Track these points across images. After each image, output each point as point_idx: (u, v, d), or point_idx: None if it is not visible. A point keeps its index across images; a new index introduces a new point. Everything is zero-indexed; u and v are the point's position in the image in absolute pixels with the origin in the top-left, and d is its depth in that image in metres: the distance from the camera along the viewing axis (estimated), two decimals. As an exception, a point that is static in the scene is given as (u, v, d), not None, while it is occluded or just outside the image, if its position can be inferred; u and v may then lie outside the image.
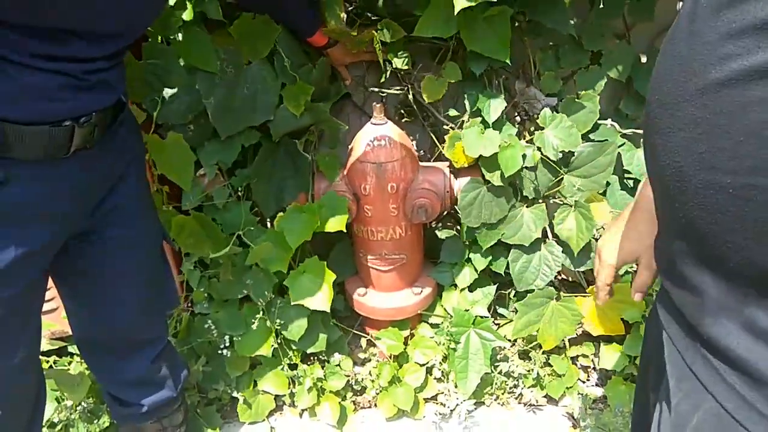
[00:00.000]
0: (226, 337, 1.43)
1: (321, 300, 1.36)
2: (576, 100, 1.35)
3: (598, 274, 0.89)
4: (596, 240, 1.41)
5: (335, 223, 1.33)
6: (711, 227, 0.46)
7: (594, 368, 1.60)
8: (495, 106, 1.30)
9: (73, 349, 1.51)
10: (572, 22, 1.29)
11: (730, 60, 0.42)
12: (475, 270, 1.54)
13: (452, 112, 1.41)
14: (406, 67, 1.33)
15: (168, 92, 1.23)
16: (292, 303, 1.40)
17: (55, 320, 1.44)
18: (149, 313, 1.16)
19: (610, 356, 1.50)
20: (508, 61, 1.23)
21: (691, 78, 0.45)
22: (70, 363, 1.51)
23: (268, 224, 1.47)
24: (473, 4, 1.00)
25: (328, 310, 1.39)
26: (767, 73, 0.40)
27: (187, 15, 1.14)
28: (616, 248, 0.84)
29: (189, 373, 1.32)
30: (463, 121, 1.39)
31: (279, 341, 1.46)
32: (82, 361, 1.44)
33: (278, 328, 1.44)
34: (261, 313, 1.43)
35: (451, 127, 1.41)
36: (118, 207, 1.02)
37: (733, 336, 0.46)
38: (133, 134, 1.05)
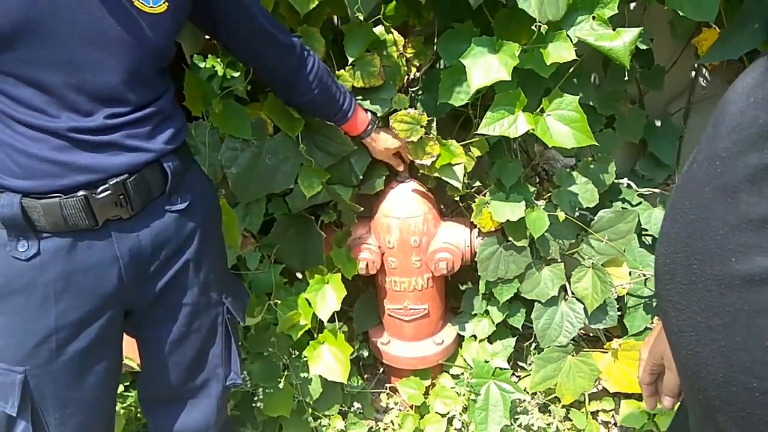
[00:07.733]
0: (260, 390, 1.46)
1: (338, 372, 1.40)
2: (592, 161, 1.41)
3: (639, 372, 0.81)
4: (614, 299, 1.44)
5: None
6: (734, 421, 0.39)
7: (614, 424, 1.60)
8: (513, 170, 1.35)
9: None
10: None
11: (753, 253, 0.36)
12: (493, 322, 1.57)
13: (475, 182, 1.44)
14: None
15: None
16: (310, 374, 1.45)
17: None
18: (198, 380, 1.07)
19: (629, 413, 1.51)
20: (595, 143, 1.18)
21: (706, 259, 0.39)
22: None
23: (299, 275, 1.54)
24: (489, 84, 1.08)
25: (345, 382, 1.43)
26: None
27: (216, 84, 1.20)
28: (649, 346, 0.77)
29: None
30: (480, 186, 1.44)
31: (299, 399, 1.50)
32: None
33: (299, 384, 1.48)
34: (284, 370, 1.48)
35: (475, 190, 1.45)
36: (178, 276, 0.94)
37: None
38: (201, 197, 0.97)
